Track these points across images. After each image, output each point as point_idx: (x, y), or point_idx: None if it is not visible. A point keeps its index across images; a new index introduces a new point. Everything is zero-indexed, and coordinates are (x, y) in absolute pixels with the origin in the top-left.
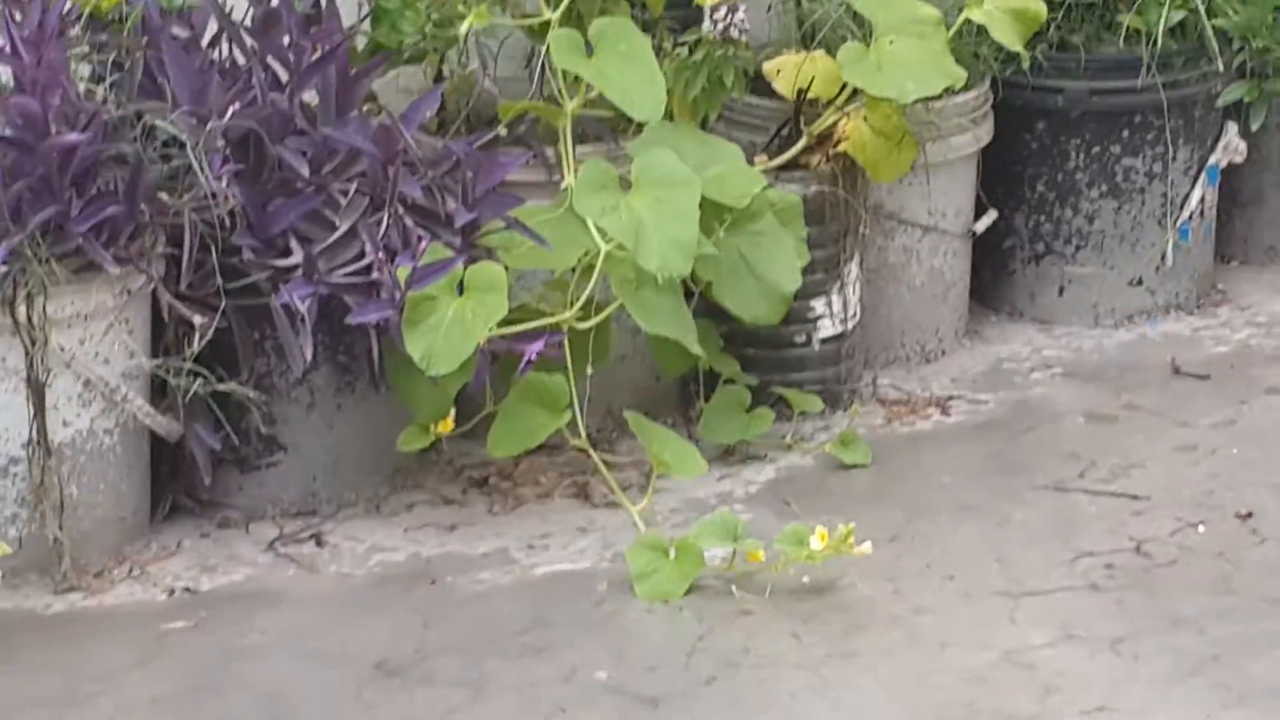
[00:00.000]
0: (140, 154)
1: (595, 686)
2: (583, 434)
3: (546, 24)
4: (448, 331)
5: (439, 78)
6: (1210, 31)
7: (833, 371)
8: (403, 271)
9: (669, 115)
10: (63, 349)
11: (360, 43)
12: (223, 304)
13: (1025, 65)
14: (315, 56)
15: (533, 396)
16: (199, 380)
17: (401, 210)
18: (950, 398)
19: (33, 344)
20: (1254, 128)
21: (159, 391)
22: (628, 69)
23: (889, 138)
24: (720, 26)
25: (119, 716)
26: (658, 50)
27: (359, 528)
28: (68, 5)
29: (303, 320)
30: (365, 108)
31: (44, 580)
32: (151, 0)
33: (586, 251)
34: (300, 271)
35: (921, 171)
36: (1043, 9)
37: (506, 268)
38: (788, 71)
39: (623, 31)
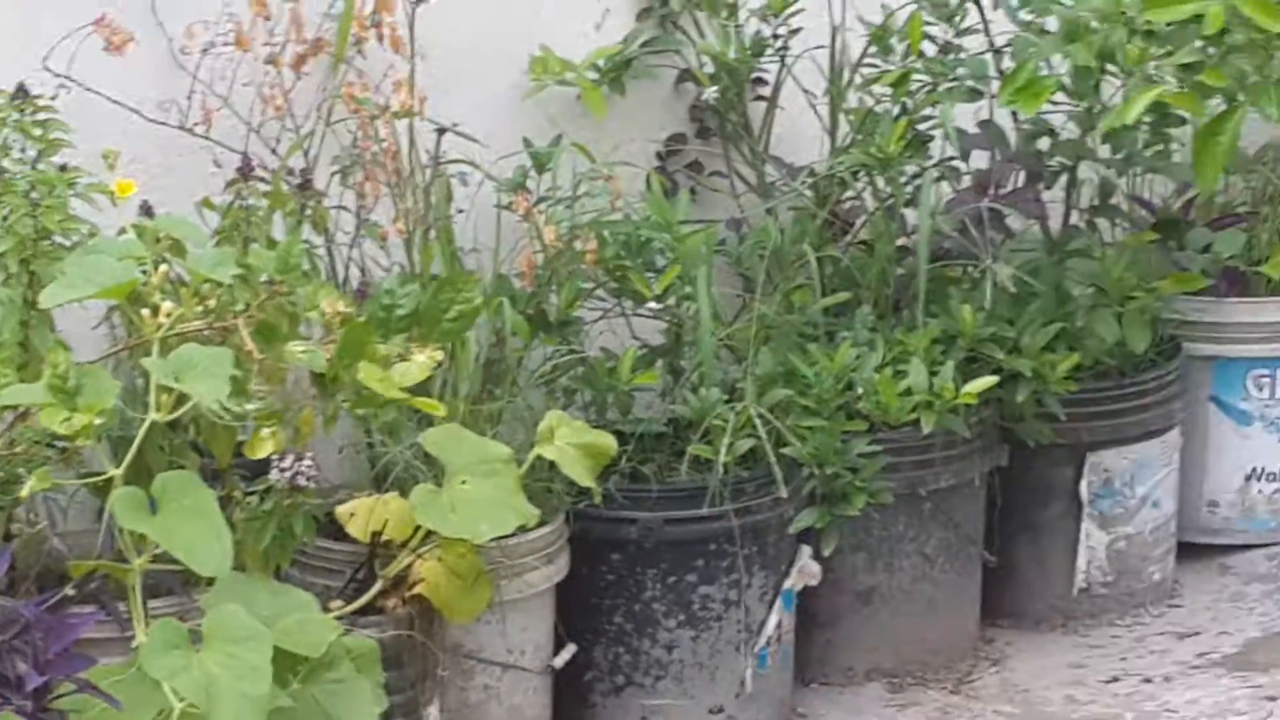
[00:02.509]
0: None
1: None
2: None
3: (110, 480)
4: None
5: (8, 536)
6: (775, 461)
7: None
8: None
9: (241, 566)
10: None
11: None
12: None
13: (597, 499)
14: None
15: None
16: None
17: None
18: None
19: None
20: (826, 552)
21: None
22: (192, 524)
23: (464, 578)
24: (288, 475)
25: None
26: (228, 500)
27: None
28: None
29: None
30: None
31: None
32: None
33: (161, 711)
34: None
35: (498, 609)
36: (612, 443)
37: None
38: (361, 515)
39: (187, 485)
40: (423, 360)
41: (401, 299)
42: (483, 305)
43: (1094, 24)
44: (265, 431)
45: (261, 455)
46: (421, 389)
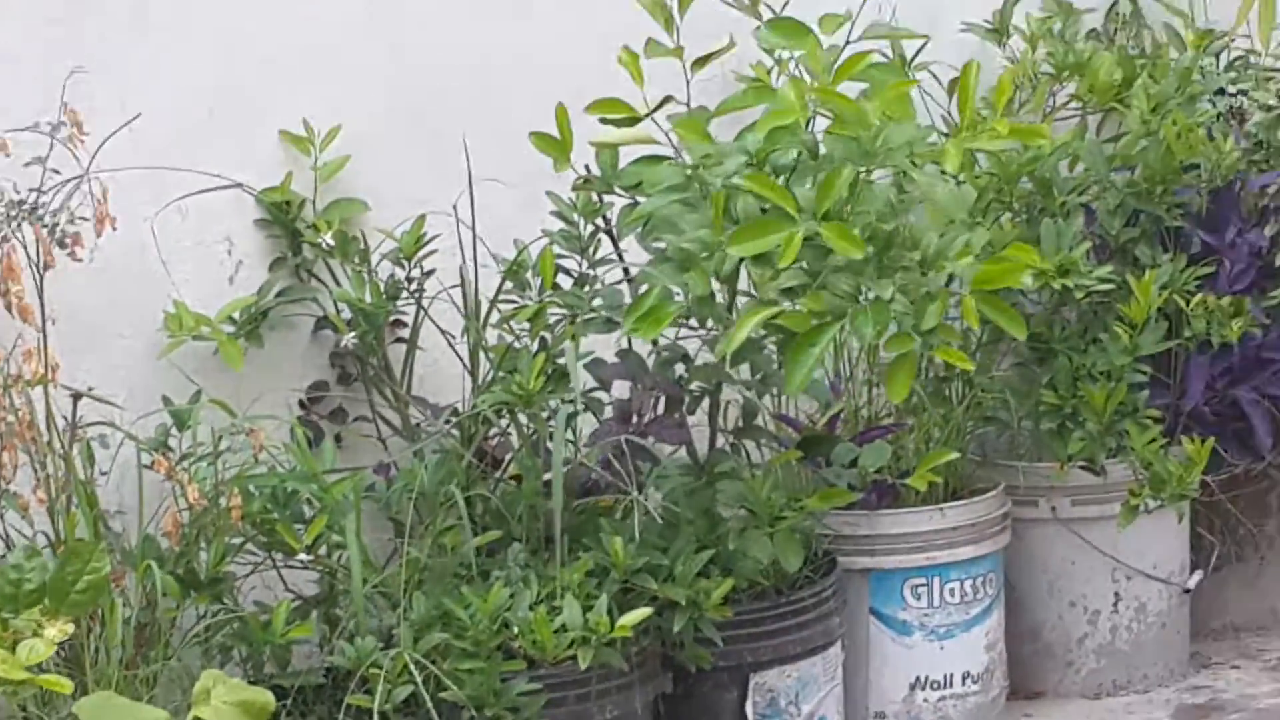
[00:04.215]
0: None
1: None
2: None
3: None
4: None
5: None
6: (432, 707)
7: None
8: None
9: None
10: None
11: None
12: None
13: None
14: None
15: None
16: None
17: None
18: None
19: None
20: None
21: None
22: None
23: None
24: None
25: None
26: None
27: None
28: None
29: None
30: None
31: None
32: None
33: None
34: None
35: None
36: (270, 698)
37: None
38: None
39: None
40: (52, 635)
41: (29, 572)
42: (108, 576)
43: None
44: None
45: None
46: (73, 656)
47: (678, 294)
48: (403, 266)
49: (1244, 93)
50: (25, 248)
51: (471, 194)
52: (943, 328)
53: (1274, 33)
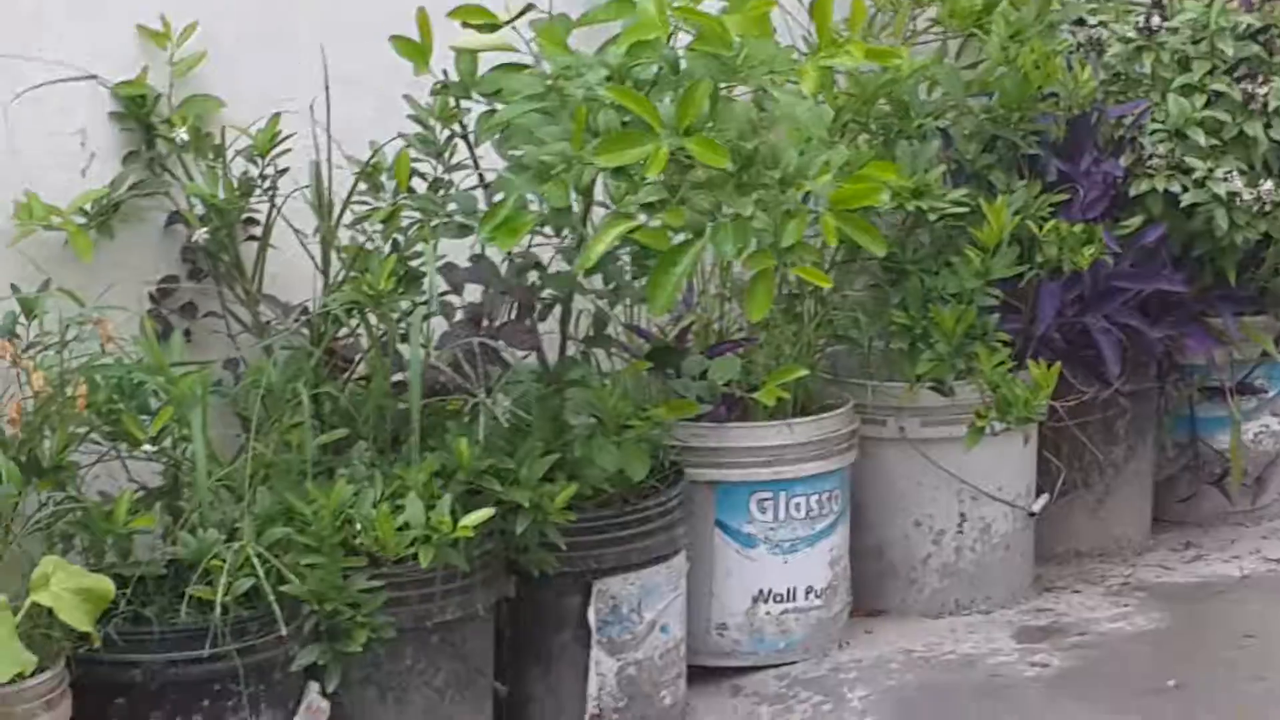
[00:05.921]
0: None
1: None
2: None
3: None
4: None
5: None
6: (274, 599)
7: None
8: None
9: None
10: None
11: None
12: None
13: (97, 644)
14: None
15: None
16: None
17: None
18: None
19: None
20: (330, 688)
21: None
22: None
23: None
24: None
25: None
26: None
27: None
28: None
29: None
30: None
31: None
32: None
33: None
34: None
35: None
36: (110, 586)
37: None
38: None
39: None
40: None
41: None
42: None
43: (559, 165)
44: None
45: None
46: None
47: (533, 203)
48: (256, 164)
49: (1104, 24)
50: None
51: (328, 95)
52: (802, 246)
53: None
